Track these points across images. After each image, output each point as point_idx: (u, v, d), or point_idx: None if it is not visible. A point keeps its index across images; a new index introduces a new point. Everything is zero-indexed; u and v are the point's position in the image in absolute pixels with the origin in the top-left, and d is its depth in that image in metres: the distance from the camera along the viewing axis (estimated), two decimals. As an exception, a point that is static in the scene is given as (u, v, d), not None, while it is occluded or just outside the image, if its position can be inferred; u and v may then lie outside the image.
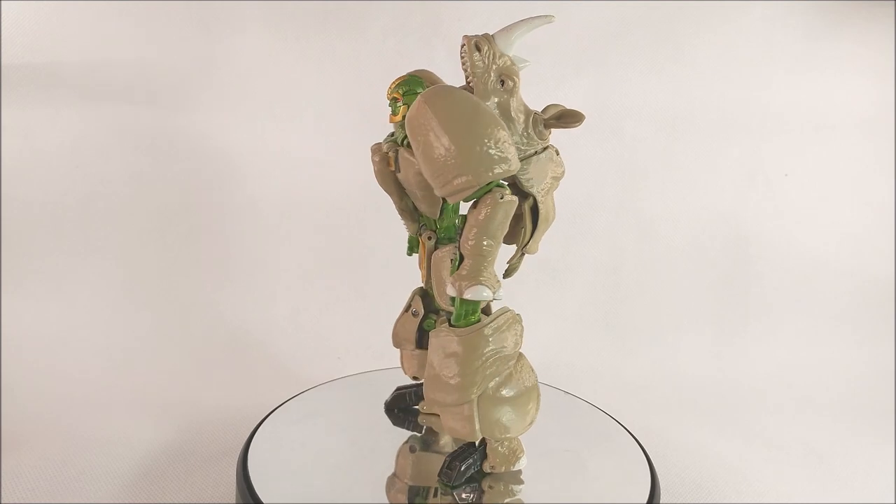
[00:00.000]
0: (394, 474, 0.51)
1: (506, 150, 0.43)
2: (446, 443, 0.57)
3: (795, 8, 1.00)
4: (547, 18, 0.47)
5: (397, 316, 0.59)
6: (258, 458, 0.53)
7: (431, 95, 0.43)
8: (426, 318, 0.57)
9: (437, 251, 0.51)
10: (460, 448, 0.51)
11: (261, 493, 0.48)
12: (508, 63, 0.46)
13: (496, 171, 0.43)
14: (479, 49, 0.46)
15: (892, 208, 1.03)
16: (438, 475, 0.50)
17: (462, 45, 0.47)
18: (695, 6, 0.99)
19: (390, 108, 0.50)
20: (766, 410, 0.82)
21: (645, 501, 0.49)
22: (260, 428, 0.58)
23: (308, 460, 0.54)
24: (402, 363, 0.60)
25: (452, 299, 0.46)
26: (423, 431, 0.58)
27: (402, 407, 0.62)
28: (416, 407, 0.62)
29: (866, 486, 0.65)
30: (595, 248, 1.00)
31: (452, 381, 0.47)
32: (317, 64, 0.96)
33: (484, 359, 0.47)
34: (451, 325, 0.47)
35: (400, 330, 0.58)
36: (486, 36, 0.47)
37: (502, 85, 0.47)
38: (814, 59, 1.01)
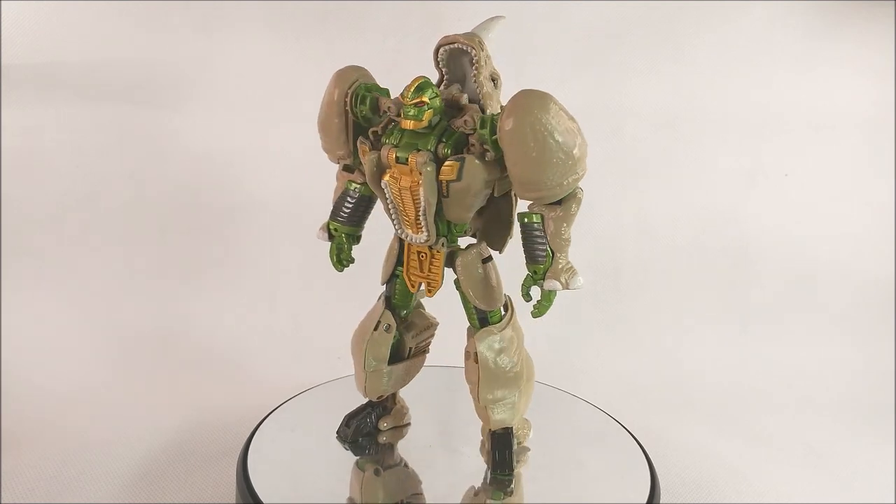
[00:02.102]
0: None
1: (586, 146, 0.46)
2: (398, 455, 0.56)
3: (795, 8, 1.00)
4: (503, 19, 0.50)
5: (362, 338, 0.54)
6: (258, 458, 0.53)
7: (539, 99, 0.44)
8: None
9: (462, 255, 0.50)
10: (495, 439, 0.52)
11: (261, 493, 0.48)
12: (492, 63, 0.48)
13: (586, 168, 0.45)
14: (482, 48, 0.47)
15: (893, 208, 1.03)
16: (493, 471, 0.52)
17: (451, 45, 0.46)
18: (695, 6, 0.99)
19: (409, 113, 0.46)
20: (766, 410, 0.82)
21: (645, 501, 0.49)
22: (260, 428, 0.58)
23: (308, 460, 0.54)
24: (364, 386, 0.55)
25: (526, 295, 0.49)
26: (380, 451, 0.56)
27: (365, 433, 0.57)
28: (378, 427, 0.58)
29: (866, 486, 0.65)
30: (595, 248, 1.00)
31: (510, 375, 0.51)
32: (317, 64, 0.95)
33: (522, 347, 0.52)
34: (487, 323, 0.51)
35: (373, 351, 0.54)
36: (478, 35, 0.47)
37: (494, 84, 0.48)
38: (814, 59, 1.01)
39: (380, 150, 0.48)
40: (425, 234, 0.48)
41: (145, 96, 0.94)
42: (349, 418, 0.57)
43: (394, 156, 0.47)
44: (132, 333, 0.88)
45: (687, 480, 0.64)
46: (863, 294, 1.00)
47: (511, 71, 0.97)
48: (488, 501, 0.50)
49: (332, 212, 0.54)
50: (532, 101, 0.44)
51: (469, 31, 0.48)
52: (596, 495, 0.50)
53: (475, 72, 0.47)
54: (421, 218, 0.48)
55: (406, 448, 0.57)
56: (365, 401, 0.58)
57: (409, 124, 0.46)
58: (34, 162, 0.91)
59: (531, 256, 0.47)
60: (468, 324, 0.54)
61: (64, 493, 0.57)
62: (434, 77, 0.49)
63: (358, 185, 0.52)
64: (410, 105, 0.45)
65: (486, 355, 0.50)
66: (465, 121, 0.46)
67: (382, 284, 0.54)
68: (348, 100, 0.49)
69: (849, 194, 1.03)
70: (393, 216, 0.50)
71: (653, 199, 1.01)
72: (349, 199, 0.53)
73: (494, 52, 0.49)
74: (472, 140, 0.46)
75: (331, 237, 0.54)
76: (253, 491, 0.48)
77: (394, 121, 0.49)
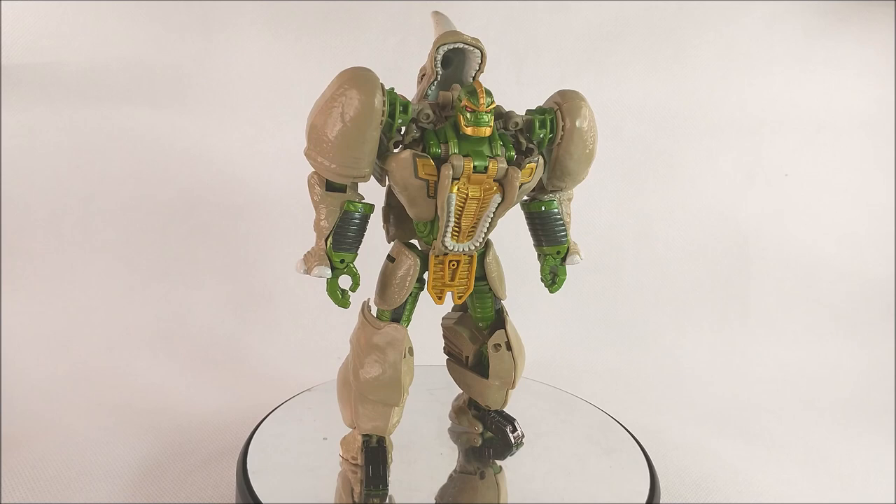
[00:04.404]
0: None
1: None
2: (407, 479, 0.54)
3: (795, 8, 1.00)
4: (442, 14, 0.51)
5: (393, 371, 0.48)
6: (258, 458, 0.53)
7: (584, 99, 0.48)
8: None
9: (487, 254, 0.51)
10: (499, 420, 0.57)
11: (260, 493, 0.48)
12: None
13: None
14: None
15: (893, 208, 1.03)
16: (517, 444, 0.56)
17: (453, 44, 0.46)
18: (695, 6, 0.99)
19: (481, 119, 0.43)
20: (766, 410, 0.82)
21: (645, 501, 0.49)
22: (260, 428, 0.58)
23: (307, 460, 0.54)
24: (391, 422, 0.50)
25: (548, 275, 0.52)
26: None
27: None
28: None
29: (866, 486, 0.65)
30: (595, 248, 1.00)
31: (523, 355, 0.54)
32: (317, 64, 0.96)
33: None
34: (501, 314, 0.54)
35: (408, 381, 0.49)
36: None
37: None
38: (814, 59, 1.01)
39: (452, 162, 0.43)
40: (481, 238, 0.47)
41: (145, 96, 0.94)
42: (371, 469, 0.50)
43: (472, 165, 0.43)
44: (132, 333, 0.88)
45: (687, 480, 0.64)
46: (863, 294, 1.01)
47: (511, 71, 0.98)
48: (495, 474, 0.53)
49: (337, 241, 0.46)
50: (583, 101, 0.47)
51: (450, 31, 0.49)
52: (596, 495, 0.50)
53: (477, 72, 0.47)
54: (483, 224, 0.46)
55: (410, 452, 0.56)
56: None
57: (479, 131, 0.43)
58: (34, 162, 0.91)
59: (553, 239, 0.51)
60: (445, 322, 0.56)
61: (64, 493, 0.57)
62: (414, 77, 0.48)
63: (361, 206, 0.47)
64: (484, 112, 0.43)
65: (516, 342, 0.53)
66: (515, 122, 0.47)
67: (391, 308, 0.49)
68: (385, 109, 0.43)
69: (849, 194, 1.03)
70: (445, 230, 0.45)
71: (653, 198, 1.01)
72: (356, 223, 0.46)
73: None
74: (518, 140, 0.47)
75: (332, 270, 0.46)
76: (253, 491, 0.48)
77: (424, 127, 0.45)
